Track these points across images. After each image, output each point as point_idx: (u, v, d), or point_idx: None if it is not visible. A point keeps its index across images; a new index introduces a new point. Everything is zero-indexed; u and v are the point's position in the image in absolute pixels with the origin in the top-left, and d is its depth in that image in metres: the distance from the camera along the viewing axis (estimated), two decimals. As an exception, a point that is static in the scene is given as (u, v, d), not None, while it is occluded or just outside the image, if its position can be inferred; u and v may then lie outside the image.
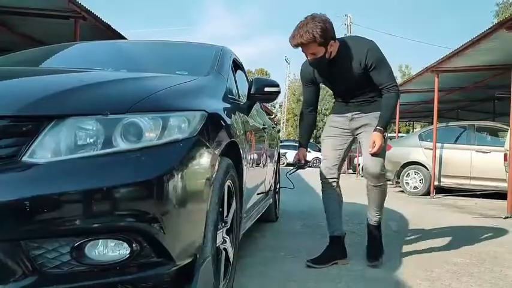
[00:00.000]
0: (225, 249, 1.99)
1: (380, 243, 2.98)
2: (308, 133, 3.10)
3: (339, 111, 3.01)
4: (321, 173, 2.96)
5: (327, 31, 2.56)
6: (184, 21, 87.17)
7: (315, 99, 3.04)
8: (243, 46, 77.85)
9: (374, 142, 2.71)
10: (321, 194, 2.98)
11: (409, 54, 78.39)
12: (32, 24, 7.00)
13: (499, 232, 4.45)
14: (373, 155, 2.74)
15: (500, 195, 7.51)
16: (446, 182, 8.48)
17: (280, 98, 35.51)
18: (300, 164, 3.03)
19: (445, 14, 75.05)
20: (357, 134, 2.95)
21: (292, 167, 2.96)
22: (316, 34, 2.52)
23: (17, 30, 7.36)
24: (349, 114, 2.92)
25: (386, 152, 2.96)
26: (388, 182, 2.59)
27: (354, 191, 2.82)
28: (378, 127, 2.74)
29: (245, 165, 2.35)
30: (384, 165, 2.84)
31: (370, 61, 2.66)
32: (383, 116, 2.76)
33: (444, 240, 3.82)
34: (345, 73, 2.75)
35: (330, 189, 2.93)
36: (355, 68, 2.71)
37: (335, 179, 2.93)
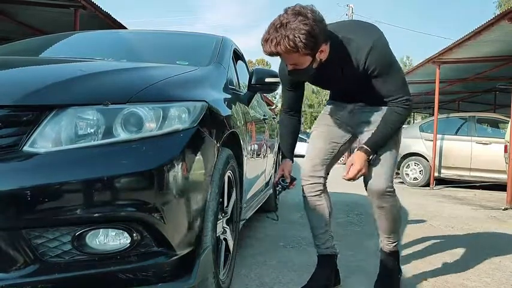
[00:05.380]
0: (225, 239, 2.01)
1: (395, 276, 2.23)
2: (292, 141, 2.27)
3: (336, 100, 2.27)
4: (303, 175, 2.18)
5: (315, 37, 1.70)
6: (186, 10, 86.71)
7: (299, 102, 2.26)
8: (244, 36, 77.51)
9: (352, 164, 2.00)
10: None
11: (411, 45, 78.20)
12: (31, 13, 6.97)
13: (498, 223, 4.48)
14: (365, 175, 2.04)
15: (500, 186, 7.53)
16: (446, 173, 8.50)
17: (280, 89, 35.22)
18: (285, 183, 2.21)
19: (447, 4, 74.59)
20: (358, 133, 2.19)
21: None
22: (299, 43, 1.67)
23: (17, 19, 7.34)
24: (350, 106, 2.17)
25: None
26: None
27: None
28: (364, 145, 2.00)
29: (245, 156, 2.35)
30: (392, 179, 2.12)
31: (371, 66, 1.86)
32: (377, 134, 1.99)
33: (443, 231, 3.84)
34: (339, 78, 1.99)
35: (315, 197, 2.16)
36: (353, 71, 1.91)
37: (321, 184, 2.16)
